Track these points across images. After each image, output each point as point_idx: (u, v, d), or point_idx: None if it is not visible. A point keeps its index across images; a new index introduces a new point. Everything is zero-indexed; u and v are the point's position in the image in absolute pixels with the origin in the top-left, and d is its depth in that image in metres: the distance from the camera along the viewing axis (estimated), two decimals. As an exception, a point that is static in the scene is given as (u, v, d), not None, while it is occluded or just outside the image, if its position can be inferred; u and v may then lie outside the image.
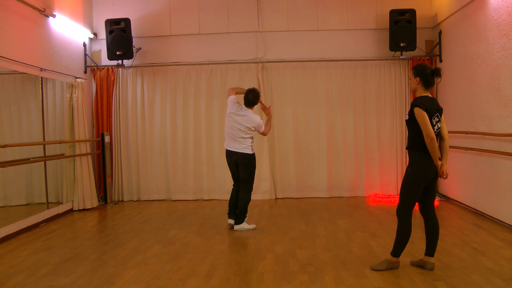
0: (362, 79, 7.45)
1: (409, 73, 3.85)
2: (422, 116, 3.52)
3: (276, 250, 4.45)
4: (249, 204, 5.33)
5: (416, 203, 3.75)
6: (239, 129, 5.18)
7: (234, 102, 5.31)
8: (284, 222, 5.72)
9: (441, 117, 3.68)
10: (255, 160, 5.30)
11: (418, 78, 3.67)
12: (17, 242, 5.00)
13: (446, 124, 3.79)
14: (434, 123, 3.61)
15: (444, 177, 3.66)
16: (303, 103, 7.49)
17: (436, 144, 3.58)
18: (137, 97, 7.62)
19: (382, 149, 7.45)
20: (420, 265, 3.81)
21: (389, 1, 7.37)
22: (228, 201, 5.47)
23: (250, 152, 5.21)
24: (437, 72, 3.64)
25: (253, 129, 5.22)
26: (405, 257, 3.97)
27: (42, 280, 3.74)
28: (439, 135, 3.70)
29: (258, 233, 5.12)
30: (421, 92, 3.70)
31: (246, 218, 5.36)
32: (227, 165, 5.40)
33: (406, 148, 3.79)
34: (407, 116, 3.69)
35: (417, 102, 3.58)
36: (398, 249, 3.73)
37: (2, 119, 5.63)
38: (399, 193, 3.78)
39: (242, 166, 5.21)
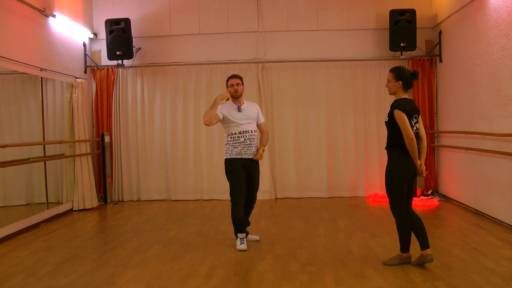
0: (362, 79, 7.45)
1: (387, 75, 3.93)
2: (402, 118, 3.66)
3: (276, 250, 4.45)
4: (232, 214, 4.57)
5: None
6: None
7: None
8: (284, 222, 5.72)
9: (418, 118, 3.83)
10: (227, 165, 4.57)
11: (400, 82, 3.80)
12: (17, 242, 5.00)
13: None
14: (413, 124, 3.75)
15: (424, 175, 3.80)
16: (303, 103, 7.49)
17: (416, 145, 3.71)
18: (137, 97, 7.62)
19: (382, 149, 7.32)
20: (421, 263, 3.79)
21: (389, 1, 7.37)
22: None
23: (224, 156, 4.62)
24: (415, 76, 3.81)
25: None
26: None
27: (42, 280, 3.74)
28: (417, 135, 3.82)
29: (258, 233, 5.10)
30: (401, 95, 3.84)
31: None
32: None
33: (386, 148, 3.90)
34: (387, 118, 3.81)
35: (397, 105, 3.73)
36: (404, 244, 3.82)
37: (2, 119, 5.62)
38: (386, 192, 3.86)
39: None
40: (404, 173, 3.72)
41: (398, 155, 3.73)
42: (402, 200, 3.77)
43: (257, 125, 4.70)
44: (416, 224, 3.79)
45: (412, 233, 3.82)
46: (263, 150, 4.60)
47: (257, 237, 4.83)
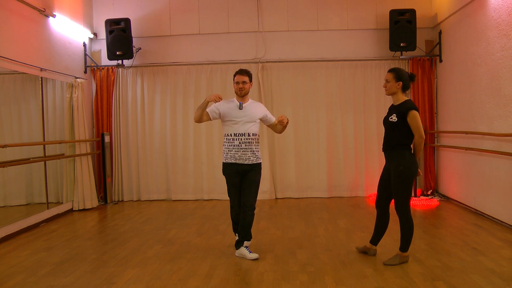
0: (362, 79, 7.45)
1: (386, 76, 3.94)
2: (418, 119, 3.78)
3: (276, 250, 4.45)
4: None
5: (375, 197, 4.15)
6: None
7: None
8: (284, 222, 5.72)
9: None
10: (223, 169, 4.35)
11: (400, 83, 3.87)
12: (17, 242, 5.00)
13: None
14: None
15: (422, 173, 4.04)
16: (303, 103, 7.49)
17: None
18: (137, 97, 7.63)
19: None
20: (364, 251, 4.21)
21: (389, 1, 7.37)
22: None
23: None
24: (413, 78, 3.91)
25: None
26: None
27: (42, 280, 3.74)
28: None
29: (258, 233, 5.12)
30: (402, 96, 3.90)
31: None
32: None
33: (389, 149, 3.93)
34: (395, 118, 3.83)
35: (412, 106, 3.80)
36: (406, 244, 3.86)
37: (2, 119, 5.62)
38: (394, 192, 3.88)
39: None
40: (415, 172, 3.85)
41: (408, 154, 3.83)
42: (409, 198, 3.87)
43: (270, 125, 4.43)
44: (383, 220, 4.08)
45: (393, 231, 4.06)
46: (288, 120, 4.27)
47: (254, 256, 4.20)
